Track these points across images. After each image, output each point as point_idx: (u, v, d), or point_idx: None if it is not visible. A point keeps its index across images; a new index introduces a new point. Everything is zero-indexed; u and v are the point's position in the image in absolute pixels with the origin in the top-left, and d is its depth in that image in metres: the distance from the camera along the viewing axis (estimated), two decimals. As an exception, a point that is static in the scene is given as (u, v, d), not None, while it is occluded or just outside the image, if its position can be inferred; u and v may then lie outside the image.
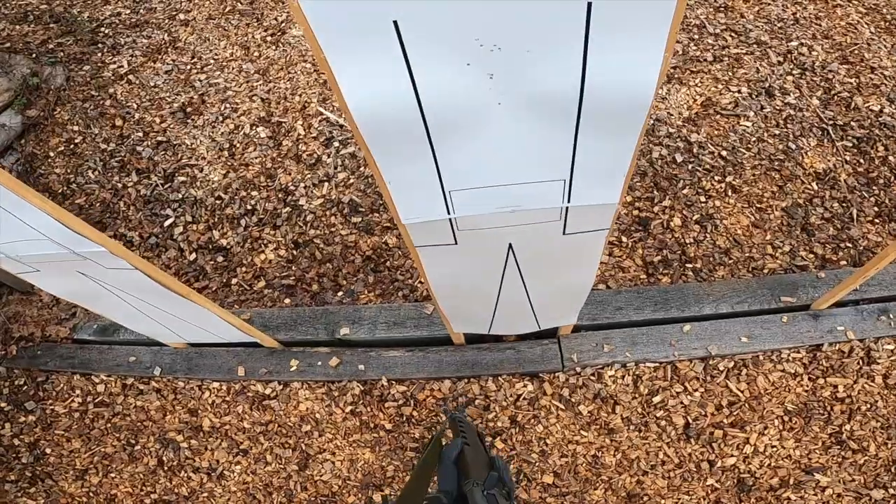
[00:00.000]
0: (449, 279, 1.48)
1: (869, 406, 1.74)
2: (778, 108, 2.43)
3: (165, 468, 1.92)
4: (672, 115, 2.43)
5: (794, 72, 2.47)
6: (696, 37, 2.55)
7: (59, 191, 2.43)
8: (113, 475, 1.95)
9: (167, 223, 2.35)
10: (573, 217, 1.16)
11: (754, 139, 2.37)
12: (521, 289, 1.53)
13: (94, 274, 1.54)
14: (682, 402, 1.77)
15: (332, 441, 1.87)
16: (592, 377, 1.79)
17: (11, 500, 1.93)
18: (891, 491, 1.64)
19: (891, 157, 2.35)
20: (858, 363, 1.80)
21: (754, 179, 2.28)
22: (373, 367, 1.90)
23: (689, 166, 2.31)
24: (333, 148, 2.43)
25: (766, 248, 2.11)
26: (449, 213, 1.14)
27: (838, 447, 1.70)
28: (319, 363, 1.89)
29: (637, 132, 0.88)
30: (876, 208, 2.21)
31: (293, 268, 2.23)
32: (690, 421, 1.75)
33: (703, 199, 2.23)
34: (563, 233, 1.24)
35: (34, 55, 2.67)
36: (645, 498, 1.70)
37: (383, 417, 1.88)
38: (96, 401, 2.03)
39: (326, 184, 2.37)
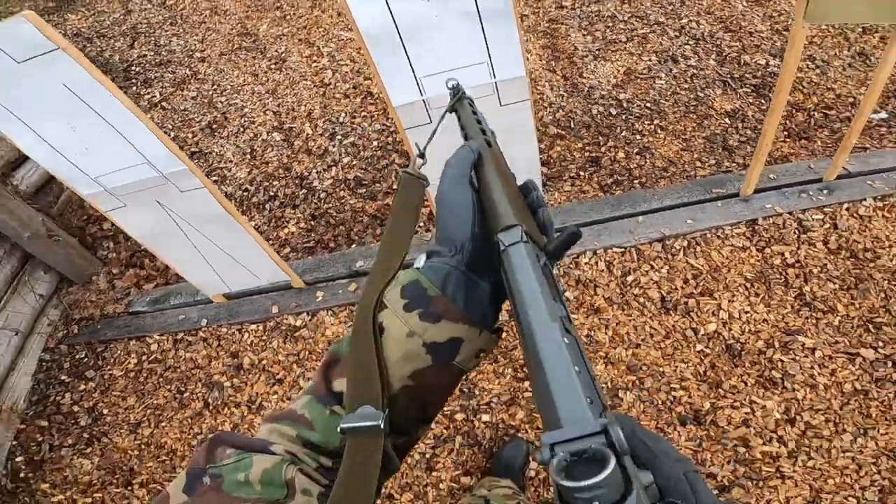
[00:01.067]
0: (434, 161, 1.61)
1: (820, 269, 1.69)
2: (683, 69, 2.54)
3: (210, 408, 1.77)
4: (602, 82, 2.53)
5: (689, 42, 2.61)
6: (611, 25, 2.70)
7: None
8: (163, 424, 1.80)
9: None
10: (502, 90, 1.43)
11: (670, 93, 2.45)
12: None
13: (170, 204, 1.52)
14: (652, 279, 1.72)
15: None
16: (571, 265, 1.74)
17: (67, 462, 1.76)
18: (881, 350, 1.49)
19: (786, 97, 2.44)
20: (795, 232, 1.78)
21: (676, 121, 2.34)
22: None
23: (623, 116, 2.38)
24: (337, 140, 2.47)
25: (695, 163, 2.14)
26: (421, 94, 1.40)
27: (807, 309, 1.60)
28: (340, 291, 1.82)
29: (511, 19, 1.25)
30: (785, 132, 2.27)
31: (312, 234, 2.19)
32: (665, 294, 1.70)
33: (638, 137, 2.28)
34: (500, 105, 1.49)
35: None
36: (644, 368, 1.60)
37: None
38: (150, 359, 1.91)
39: (334, 168, 2.38)
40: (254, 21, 3.24)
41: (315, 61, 2.86)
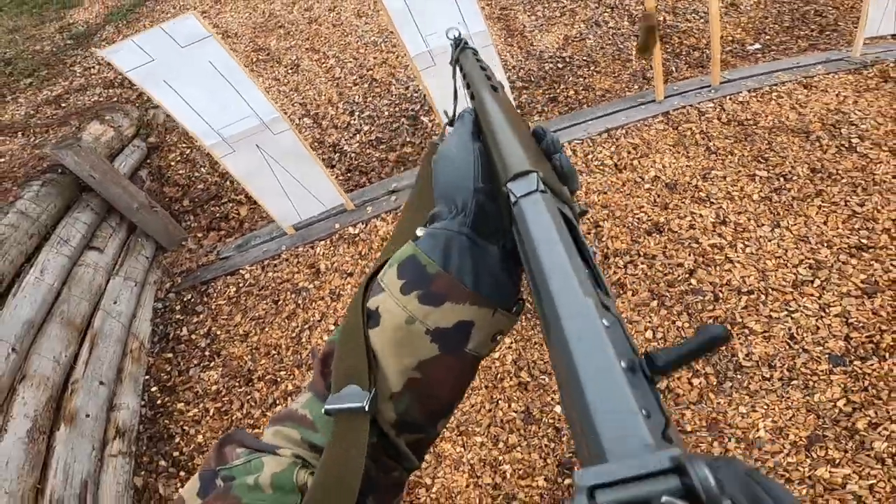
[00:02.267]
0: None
1: (717, 132, 2.38)
2: (605, 30, 3.36)
3: (301, 307, 2.34)
4: (548, 47, 3.32)
5: (606, 10, 3.45)
6: (547, 6, 3.54)
7: (184, 184, 3.01)
8: (266, 329, 2.29)
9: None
10: (475, 38, 2.12)
11: (599, 48, 3.25)
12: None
13: (265, 145, 2.17)
14: (605, 155, 2.43)
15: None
16: (548, 158, 2.46)
17: (196, 380, 2.18)
18: (772, 171, 2.13)
19: (685, 42, 3.26)
20: (696, 115, 2.53)
21: (607, 66, 3.13)
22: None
23: (568, 68, 3.15)
24: (356, 116, 3.16)
25: (624, 90, 2.91)
26: (427, 46, 2.12)
27: (714, 155, 2.27)
28: (384, 203, 2.48)
29: None
30: (686, 65, 3.06)
31: (350, 182, 2.85)
32: (616, 162, 2.39)
33: (581, 79, 3.05)
34: (478, 48, 2.19)
35: (137, 104, 3.34)
36: (612, 205, 2.23)
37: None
38: (246, 285, 2.48)
39: (358, 134, 3.06)
40: (263, 39, 3.96)
41: (323, 62, 3.58)
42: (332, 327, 2.16)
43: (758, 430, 1.49)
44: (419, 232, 0.32)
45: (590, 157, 2.45)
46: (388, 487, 0.35)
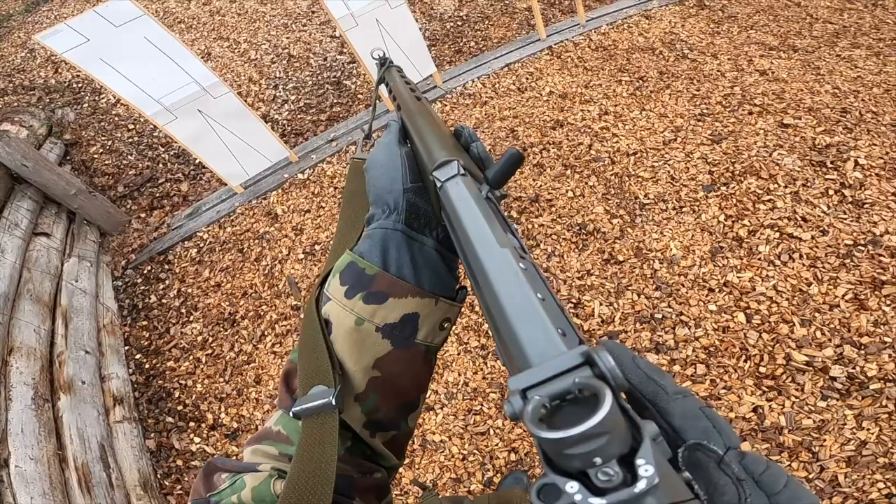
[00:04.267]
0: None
1: (589, 56, 2.98)
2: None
3: (267, 248, 2.43)
4: (447, 10, 3.75)
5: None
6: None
7: (113, 173, 2.96)
8: (238, 275, 2.35)
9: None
10: (392, 1, 2.42)
11: (489, 5, 3.74)
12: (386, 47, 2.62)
13: (207, 109, 2.29)
14: (511, 81, 2.88)
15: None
16: (463, 91, 2.85)
17: (179, 337, 2.19)
18: (629, 78, 2.82)
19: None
20: (572, 46, 3.07)
21: (498, 19, 3.62)
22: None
23: (467, 25, 3.60)
24: (281, 88, 3.33)
25: (515, 35, 3.41)
26: (349, 9, 2.37)
27: (590, 72, 2.90)
28: (326, 148, 2.71)
29: None
30: (560, 11, 3.65)
31: (287, 143, 3.02)
32: (519, 87, 2.85)
33: (479, 32, 3.50)
34: (391, 7, 2.49)
35: (42, 107, 3.22)
36: (523, 118, 2.73)
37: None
38: (207, 244, 2.55)
39: (286, 104, 3.23)
40: (168, 38, 3.96)
41: (235, 48, 3.69)
42: (301, 257, 2.34)
43: (671, 251, 1.96)
44: (361, 237, 0.35)
45: (497, 86, 2.89)
46: (372, 489, 0.35)
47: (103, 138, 3.18)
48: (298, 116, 3.12)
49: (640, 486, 0.13)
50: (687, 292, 1.85)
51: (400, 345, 0.33)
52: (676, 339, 1.78)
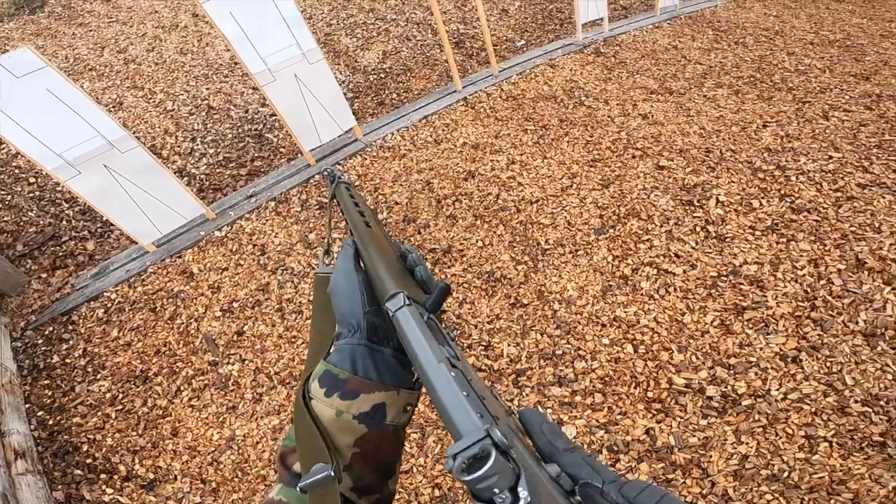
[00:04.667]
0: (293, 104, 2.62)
1: (501, 106, 3.27)
2: (414, 43, 4.12)
3: (183, 307, 2.38)
4: (371, 63, 3.94)
5: (413, 27, 4.23)
6: (364, 28, 4.18)
7: (12, 231, 2.79)
8: (150, 333, 2.28)
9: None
10: (308, 55, 2.59)
11: (412, 58, 3.98)
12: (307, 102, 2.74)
13: (113, 164, 2.28)
14: (428, 133, 3.08)
15: (275, 235, 2.67)
16: (384, 142, 3.01)
17: (85, 394, 2.09)
18: (533, 127, 3.12)
19: (474, 45, 4.18)
20: (485, 97, 3.35)
21: (419, 70, 3.85)
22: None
23: (390, 77, 3.80)
24: (199, 141, 3.31)
25: (434, 86, 3.65)
26: (266, 65, 2.49)
27: (500, 122, 3.16)
28: (245, 205, 2.73)
29: (302, 23, 2.31)
30: (477, 63, 3.96)
31: (204, 200, 3.01)
32: (436, 138, 3.06)
33: (402, 84, 3.71)
34: (309, 63, 2.59)
35: None
36: (432, 169, 2.91)
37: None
38: (115, 303, 2.44)
39: (204, 157, 3.22)
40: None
41: (151, 98, 3.64)
42: (218, 314, 2.33)
43: (568, 292, 2.17)
44: (332, 349, 0.44)
45: (415, 138, 3.08)
46: None
47: (1, 192, 3.00)
48: (217, 171, 3.12)
49: (521, 503, 0.23)
50: (583, 329, 2.04)
51: (373, 427, 0.42)
52: (576, 372, 1.95)
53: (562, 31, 4.29)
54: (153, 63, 4.01)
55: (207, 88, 3.73)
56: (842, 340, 1.82)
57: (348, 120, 2.92)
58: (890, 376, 1.70)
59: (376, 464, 0.43)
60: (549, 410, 1.83)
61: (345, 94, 3.64)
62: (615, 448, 1.69)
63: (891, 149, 2.65)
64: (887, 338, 1.81)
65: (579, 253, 2.29)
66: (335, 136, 2.92)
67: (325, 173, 0.62)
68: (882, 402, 1.64)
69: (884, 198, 2.35)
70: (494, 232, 2.42)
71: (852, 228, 2.22)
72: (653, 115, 3.09)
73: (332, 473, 0.38)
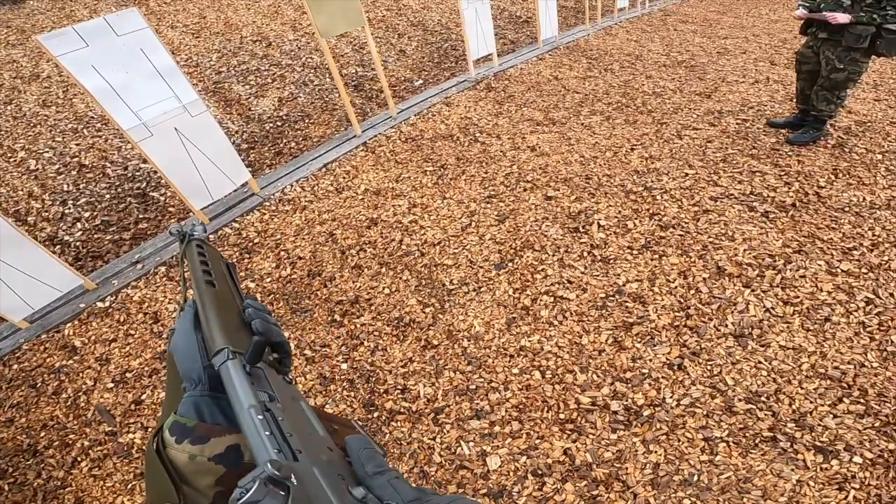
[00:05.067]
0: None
1: (402, 149, 3.38)
2: (312, 88, 4.13)
3: (68, 380, 2.07)
4: (266, 110, 3.87)
5: (311, 71, 4.25)
6: (258, 74, 4.11)
7: None
8: (33, 409, 1.93)
9: None
10: (189, 108, 2.51)
11: (310, 103, 3.98)
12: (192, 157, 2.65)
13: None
14: (329, 183, 3.08)
15: (169, 301, 2.48)
16: (283, 194, 2.96)
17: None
18: (432, 167, 3.25)
19: (373, 87, 4.29)
20: (385, 140, 3.45)
21: (318, 116, 3.87)
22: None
23: (287, 125, 3.75)
24: (70, 204, 3.00)
25: (334, 132, 3.68)
26: (140, 119, 2.36)
27: (400, 165, 3.26)
28: (131, 272, 2.51)
29: (178, 72, 2.72)
30: (377, 105, 4.06)
31: (83, 269, 2.72)
32: (339, 186, 3.07)
33: (300, 132, 3.69)
34: (191, 116, 2.52)
35: None
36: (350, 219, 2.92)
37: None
38: None
39: (79, 222, 2.91)
40: None
41: (10, 157, 3.25)
42: (110, 386, 2.11)
43: (475, 328, 2.26)
44: (179, 404, 0.47)
45: (315, 188, 3.07)
46: None
47: None
48: (95, 236, 2.85)
49: None
50: (493, 362, 2.14)
51: (231, 467, 0.44)
52: (491, 404, 2.02)
53: (457, 67, 4.57)
54: (11, 117, 3.59)
55: (77, 144, 3.42)
56: (717, 344, 1.97)
57: (242, 174, 2.84)
58: (764, 372, 1.85)
59: None
60: (471, 443, 1.88)
61: (239, 144, 3.53)
62: (539, 472, 1.75)
63: (734, 161, 3.15)
64: (755, 336, 1.96)
65: (482, 289, 2.42)
66: (229, 192, 2.82)
67: (173, 231, 0.62)
68: (763, 399, 1.75)
69: (733, 208, 2.76)
70: (400, 278, 2.48)
71: (710, 239, 2.56)
72: (539, 147, 3.39)
73: None
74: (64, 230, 2.88)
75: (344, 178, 3.14)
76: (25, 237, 2.19)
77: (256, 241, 2.71)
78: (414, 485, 0.38)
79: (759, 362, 1.89)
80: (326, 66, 4.38)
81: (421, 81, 4.39)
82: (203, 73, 4.12)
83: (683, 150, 3.35)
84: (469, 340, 2.22)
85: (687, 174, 3.10)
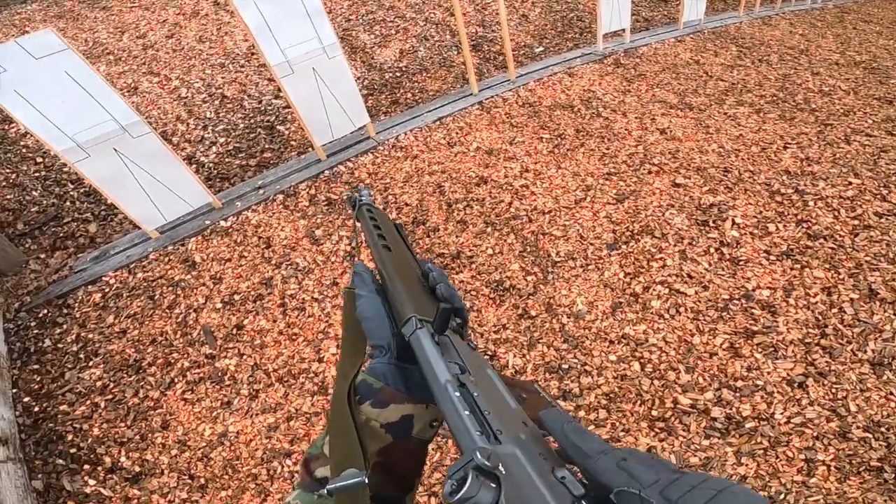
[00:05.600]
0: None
1: (517, 112, 3.26)
2: (432, 43, 4.13)
3: (182, 296, 2.35)
4: (387, 60, 3.94)
5: (432, 26, 4.24)
6: (383, 25, 4.19)
7: (14, 209, 2.78)
8: (147, 322, 2.25)
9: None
10: (327, 50, 2.62)
11: (428, 58, 3.98)
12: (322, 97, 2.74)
13: (124, 149, 2.26)
14: (443, 135, 3.07)
15: (282, 228, 2.65)
16: (398, 145, 2.99)
17: (74, 381, 2.04)
18: (549, 135, 3.12)
19: (492, 49, 4.18)
20: (501, 102, 3.34)
21: (435, 71, 3.86)
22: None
23: (406, 76, 3.79)
24: (210, 130, 3.31)
25: (450, 88, 3.64)
26: (286, 57, 2.48)
27: (515, 128, 3.15)
28: (252, 196, 2.71)
29: (324, 14, 2.28)
30: (494, 68, 3.95)
31: (211, 189, 3.00)
32: (449, 140, 3.05)
33: (417, 84, 3.71)
34: (328, 57, 2.70)
35: None
36: (447, 169, 2.90)
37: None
38: (113, 289, 2.43)
39: (214, 146, 3.22)
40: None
41: (165, 84, 3.65)
42: (219, 306, 2.30)
43: (577, 306, 2.14)
44: (366, 365, 0.47)
45: (428, 139, 3.07)
46: None
47: (7, 170, 3.01)
48: (226, 160, 3.12)
49: None
50: (591, 344, 2.01)
51: (399, 438, 0.44)
52: (581, 388, 1.92)
53: (581, 39, 4.29)
54: (171, 50, 4.02)
55: (223, 77, 3.74)
56: (849, 368, 1.82)
57: (362, 117, 2.91)
58: (893, 404, 1.71)
59: (397, 475, 0.44)
60: (550, 426, 1.81)
61: (360, 90, 3.64)
62: (617, 468, 1.67)
63: (911, 178, 2.62)
64: (894, 367, 1.81)
65: (590, 267, 2.26)
66: (348, 133, 2.92)
67: (345, 197, 0.70)
68: (883, 429, 1.65)
69: (902, 229, 2.32)
70: (505, 240, 2.40)
71: (867, 258, 2.21)
72: (671, 131, 3.08)
73: (366, 480, 0.38)
74: (202, 152, 3.18)
75: (457, 133, 3.10)
76: (172, 153, 2.43)
77: (367, 182, 2.79)
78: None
79: (891, 393, 1.74)
80: (447, 23, 4.33)
81: (541, 49, 4.18)
82: (334, 20, 4.29)
83: (850, 157, 2.86)
84: (569, 317, 2.10)
85: (851, 183, 2.65)
